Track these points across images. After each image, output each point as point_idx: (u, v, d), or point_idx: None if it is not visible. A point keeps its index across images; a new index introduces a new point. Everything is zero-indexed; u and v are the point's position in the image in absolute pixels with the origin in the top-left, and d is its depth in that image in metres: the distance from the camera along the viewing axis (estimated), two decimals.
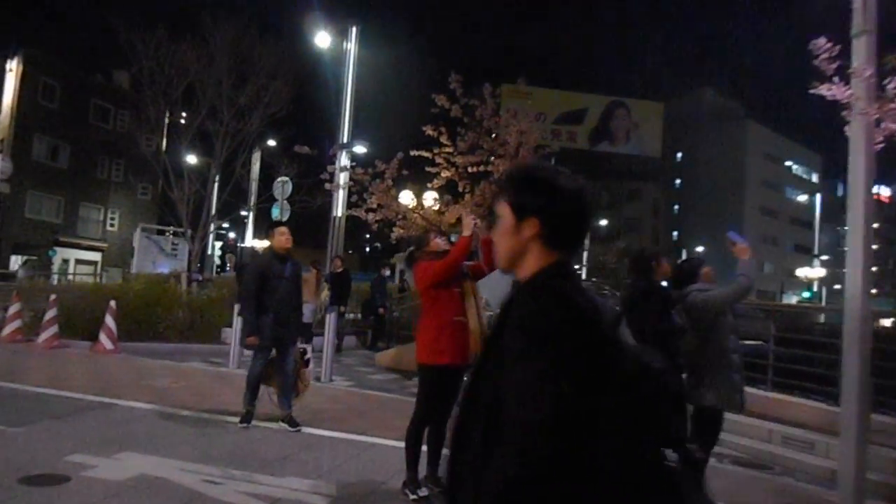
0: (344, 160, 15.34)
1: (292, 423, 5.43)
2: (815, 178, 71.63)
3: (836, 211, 50.86)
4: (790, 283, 55.19)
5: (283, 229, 5.61)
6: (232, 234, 42.73)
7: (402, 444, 4.03)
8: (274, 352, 5.45)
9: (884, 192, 78.65)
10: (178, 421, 5.45)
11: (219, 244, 34.18)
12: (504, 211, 1.34)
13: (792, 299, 50.76)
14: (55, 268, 30.56)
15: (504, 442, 1.13)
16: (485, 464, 1.17)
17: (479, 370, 1.34)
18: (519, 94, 13.61)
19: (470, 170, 14.11)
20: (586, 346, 1.15)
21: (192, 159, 13.93)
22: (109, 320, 9.41)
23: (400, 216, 14.11)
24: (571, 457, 1.10)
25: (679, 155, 67.24)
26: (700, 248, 55.28)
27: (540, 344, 1.14)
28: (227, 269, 37.88)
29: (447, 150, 14.01)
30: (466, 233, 3.85)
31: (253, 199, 22.80)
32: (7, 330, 9.92)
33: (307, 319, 9.49)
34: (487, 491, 1.14)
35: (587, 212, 1.34)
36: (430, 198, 15.25)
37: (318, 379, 7.90)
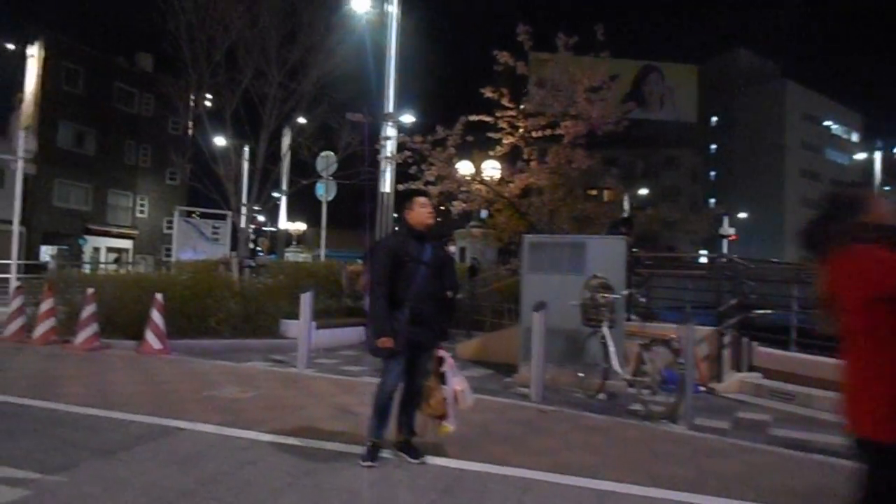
0: (390, 131, 13.99)
1: (413, 452, 4.13)
2: (854, 137, 68.53)
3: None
4: None
5: (424, 200, 4.24)
6: (261, 217, 41.78)
7: (560, 477, 3.66)
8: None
9: None
10: (265, 453, 4.16)
11: (250, 227, 33.17)
12: None
13: None
14: (86, 256, 29.91)
15: None
16: None
17: None
18: (547, 61, 12.31)
19: (535, 134, 12.67)
20: None
21: (234, 132, 12.54)
22: (157, 316, 8.20)
23: (462, 188, 12.74)
24: None
25: (714, 119, 64.97)
26: (741, 215, 53.14)
27: None
28: (260, 253, 37.07)
29: (510, 113, 12.57)
30: None
31: (286, 180, 21.42)
32: (39, 330, 8.73)
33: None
34: None
35: None
36: (490, 167, 13.87)
37: None
